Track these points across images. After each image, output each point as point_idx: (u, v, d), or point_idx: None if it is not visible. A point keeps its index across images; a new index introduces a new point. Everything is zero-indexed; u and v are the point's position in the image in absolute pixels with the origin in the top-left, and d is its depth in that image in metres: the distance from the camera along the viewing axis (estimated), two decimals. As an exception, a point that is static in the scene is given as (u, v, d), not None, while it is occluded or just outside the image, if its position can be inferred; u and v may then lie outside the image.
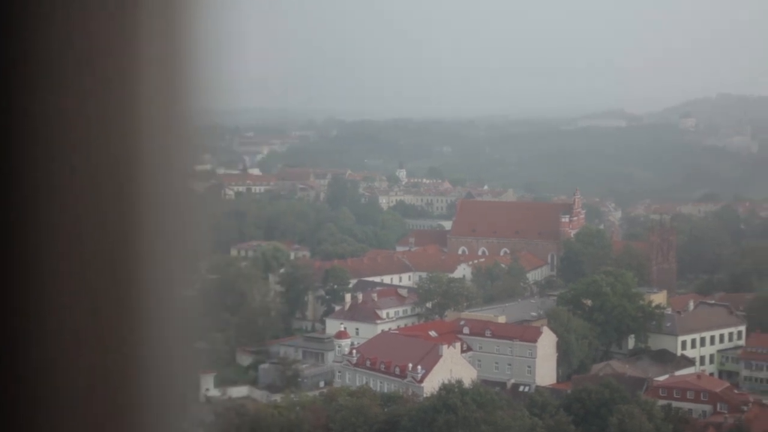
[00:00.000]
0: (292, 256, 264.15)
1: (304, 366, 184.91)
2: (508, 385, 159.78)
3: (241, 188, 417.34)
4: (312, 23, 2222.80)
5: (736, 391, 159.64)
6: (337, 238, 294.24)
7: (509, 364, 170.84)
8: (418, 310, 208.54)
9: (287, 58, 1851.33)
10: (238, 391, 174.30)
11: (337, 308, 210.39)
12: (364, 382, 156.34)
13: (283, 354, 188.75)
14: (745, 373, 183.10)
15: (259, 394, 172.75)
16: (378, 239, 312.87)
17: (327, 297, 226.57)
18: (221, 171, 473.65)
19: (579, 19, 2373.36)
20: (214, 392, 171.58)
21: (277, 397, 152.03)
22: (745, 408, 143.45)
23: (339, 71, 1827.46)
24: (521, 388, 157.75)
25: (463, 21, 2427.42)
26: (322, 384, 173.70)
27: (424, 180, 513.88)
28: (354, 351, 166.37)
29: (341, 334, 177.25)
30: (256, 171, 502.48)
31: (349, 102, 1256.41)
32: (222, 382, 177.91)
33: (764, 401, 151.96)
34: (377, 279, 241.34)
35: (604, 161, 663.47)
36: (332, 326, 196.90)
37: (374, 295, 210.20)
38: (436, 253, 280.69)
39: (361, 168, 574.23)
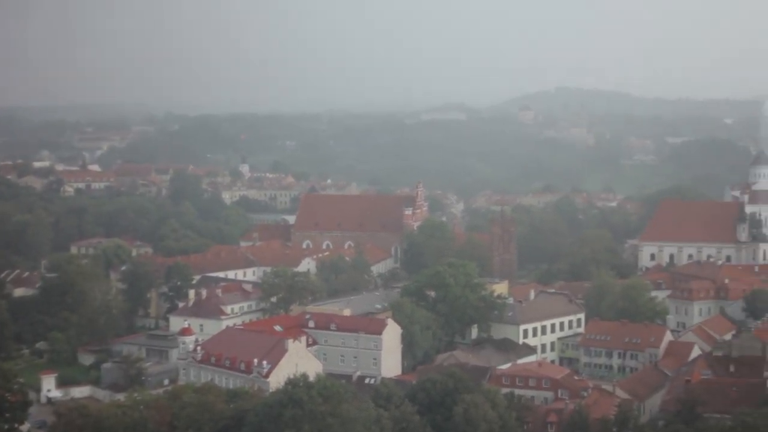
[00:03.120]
0: (134, 253, 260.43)
1: (147, 364, 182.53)
2: (354, 378, 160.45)
3: (81, 185, 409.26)
4: (149, 18, 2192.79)
5: (576, 378, 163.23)
6: (179, 234, 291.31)
7: (355, 357, 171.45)
8: (263, 304, 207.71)
9: (125, 53, 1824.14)
10: (81, 391, 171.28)
11: (181, 305, 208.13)
12: (210, 378, 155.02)
13: (126, 352, 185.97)
14: (584, 359, 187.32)
15: (102, 394, 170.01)
16: (222, 234, 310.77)
17: (170, 294, 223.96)
18: (60, 167, 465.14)
19: (421, 15, 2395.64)
20: (55, 393, 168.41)
21: (121, 396, 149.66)
22: (585, 393, 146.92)
23: (178, 65, 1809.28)
24: (367, 380, 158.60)
25: (303, 16, 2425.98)
26: (166, 382, 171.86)
27: (268, 174, 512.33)
28: (198, 348, 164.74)
29: (185, 331, 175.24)
30: (95, 167, 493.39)
31: (189, 96, 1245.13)
32: (64, 383, 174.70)
33: (603, 386, 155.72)
34: (221, 274, 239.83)
35: (445, 154, 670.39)
36: (176, 323, 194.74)
37: (218, 291, 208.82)
38: (281, 248, 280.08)
39: (203, 163, 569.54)
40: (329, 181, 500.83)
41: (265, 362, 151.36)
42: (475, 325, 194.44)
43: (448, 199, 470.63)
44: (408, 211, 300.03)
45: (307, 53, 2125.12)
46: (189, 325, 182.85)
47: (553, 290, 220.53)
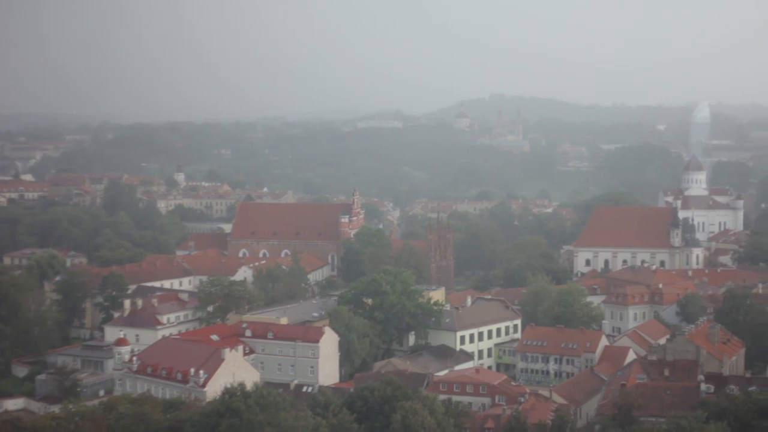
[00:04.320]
0: (68, 263, 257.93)
1: (83, 375, 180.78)
2: (292, 386, 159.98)
3: (14, 195, 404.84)
4: (82, 27, 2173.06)
5: (513, 383, 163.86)
6: (114, 243, 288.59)
7: (292, 365, 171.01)
8: (199, 314, 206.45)
9: (57, 61, 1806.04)
10: (15, 404, 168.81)
11: (116, 315, 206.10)
12: (146, 389, 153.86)
13: (60, 364, 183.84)
14: (521, 365, 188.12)
15: (37, 406, 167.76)
16: (157, 244, 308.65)
17: (105, 304, 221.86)
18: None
19: (359, 23, 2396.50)
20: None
21: (56, 408, 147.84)
22: (522, 399, 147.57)
23: (112, 74, 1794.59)
24: (305, 389, 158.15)
25: (237, 24, 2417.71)
26: (102, 393, 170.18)
27: (203, 183, 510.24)
28: (134, 358, 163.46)
29: (121, 342, 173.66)
30: (29, 177, 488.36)
31: (124, 105, 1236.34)
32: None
33: (540, 392, 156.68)
34: (157, 284, 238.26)
35: (382, 161, 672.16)
36: (111, 333, 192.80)
37: (154, 301, 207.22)
38: (217, 257, 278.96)
39: (138, 172, 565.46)
40: (265, 189, 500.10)
41: (201, 372, 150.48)
42: (413, 332, 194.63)
43: (384, 207, 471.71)
44: (344, 219, 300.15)
45: (243, 61, 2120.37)
46: (124, 335, 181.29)
47: (489, 296, 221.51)
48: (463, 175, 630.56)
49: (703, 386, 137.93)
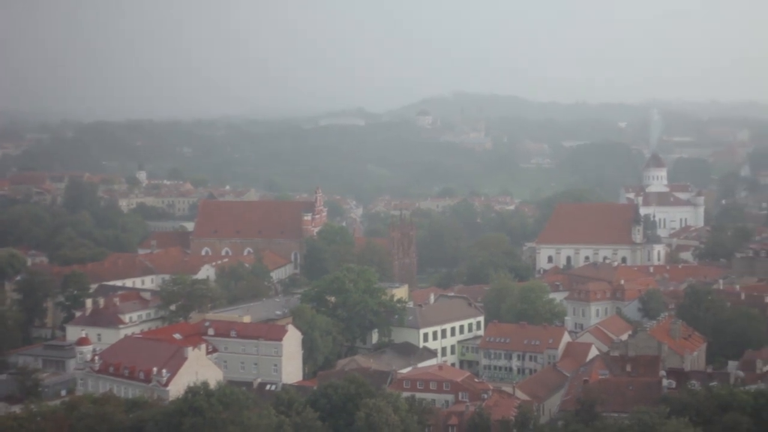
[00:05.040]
0: (29, 263, 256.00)
1: (44, 375, 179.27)
2: (255, 385, 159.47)
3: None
4: (40, 23, 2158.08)
5: (476, 380, 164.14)
6: (76, 242, 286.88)
7: (255, 364, 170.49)
8: (161, 312, 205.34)
9: (15, 60, 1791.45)
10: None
11: (78, 314, 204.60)
12: (108, 388, 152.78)
13: (22, 364, 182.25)
14: (484, 362, 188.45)
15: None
16: (119, 242, 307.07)
17: (67, 303, 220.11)
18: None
19: (322, 20, 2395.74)
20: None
21: (17, 408, 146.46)
22: (486, 396, 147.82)
23: (72, 72, 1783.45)
24: (268, 387, 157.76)
25: (198, 22, 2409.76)
26: (63, 393, 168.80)
27: (165, 181, 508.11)
28: (96, 357, 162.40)
29: (82, 341, 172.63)
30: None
31: (84, 103, 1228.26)
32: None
33: (503, 388, 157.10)
34: (119, 283, 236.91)
35: (344, 159, 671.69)
36: (73, 333, 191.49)
37: (116, 300, 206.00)
38: (179, 255, 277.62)
39: (99, 170, 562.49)
40: (228, 187, 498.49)
41: (164, 371, 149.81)
42: (376, 330, 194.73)
43: (347, 204, 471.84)
44: (307, 217, 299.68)
45: (204, 60, 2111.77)
46: (86, 334, 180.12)
47: (452, 294, 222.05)
48: (425, 173, 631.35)
49: (664, 382, 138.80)
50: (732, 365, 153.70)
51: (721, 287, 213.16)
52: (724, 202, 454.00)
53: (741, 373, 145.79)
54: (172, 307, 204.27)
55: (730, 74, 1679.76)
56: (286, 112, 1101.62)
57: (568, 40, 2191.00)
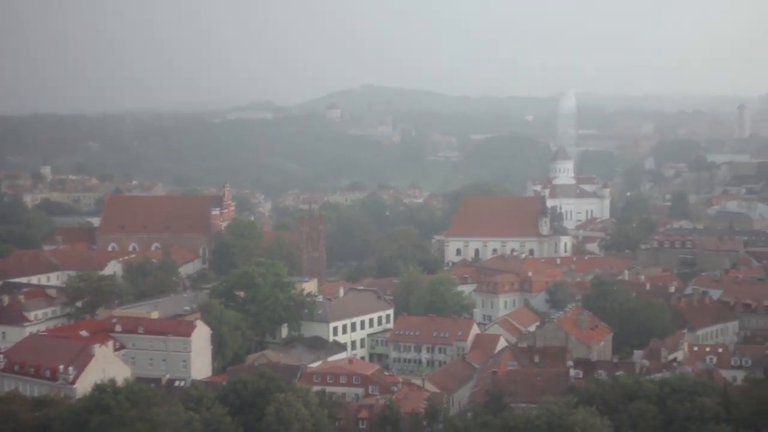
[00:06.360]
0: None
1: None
2: (164, 381, 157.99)
3: None
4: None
5: (386, 373, 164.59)
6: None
7: (164, 360, 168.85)
8: (68, 309, 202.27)
9: None
10: None
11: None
12: (14, 387, 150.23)
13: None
14: (393, 354, 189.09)
15: None
16: (24, 238, 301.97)
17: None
18: None
19: (230, 12, 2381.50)
20: None
21: None
22: (395, 389, 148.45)
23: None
24: (177, 383, 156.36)
25: (108, 16, 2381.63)
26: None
27: (71, 176, 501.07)
28: (1, 356, 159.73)
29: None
30: None
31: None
32: None
33: (413, 381, 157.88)
34: (24, 280, 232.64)
35: (252, 153, 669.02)
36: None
37: (21, 297, 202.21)
38: (85, 251, 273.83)
39: (2, 166, 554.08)
40: (135, 182, 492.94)
41: (71, 368, 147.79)
42: (286, 324, 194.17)
43: (256, 199, 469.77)
44: (215, 212, 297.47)
45: (109, 53, 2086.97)
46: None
47: (362, 287, 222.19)
48: (334, 166, 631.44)
49: (572, 372, 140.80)
50: (637, 355, 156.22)
51: (627, 278, 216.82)
52: (628, 194, 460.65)
53: (646, 362, 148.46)
54: (79, 304, 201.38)
55: (634, 68, 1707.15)
56: (193, 106, 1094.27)
57: (475, 34, 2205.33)
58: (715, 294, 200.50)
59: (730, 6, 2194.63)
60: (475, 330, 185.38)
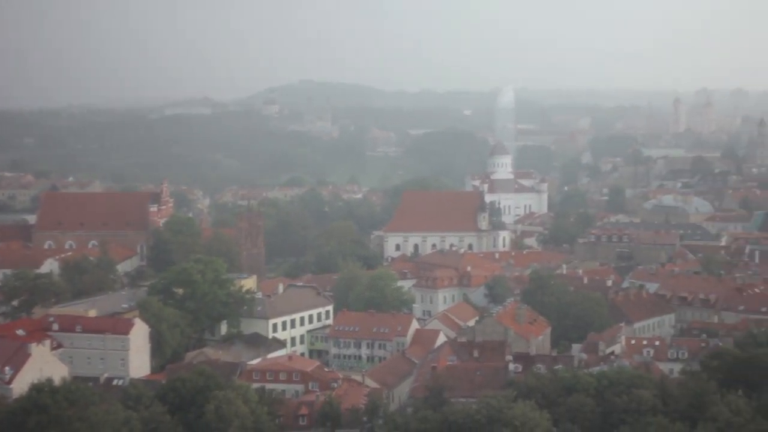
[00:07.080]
0: None
1: None
2: (102, 380, 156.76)
3: None
4: None
5: (326, 369, 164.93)
6: None
7: (102, 359, 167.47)
8: (3, 308, 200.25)
9: None
10: None
11: None
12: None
13: None
14: (333, 351, 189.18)
15: None
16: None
17: None
18: None
19: (174, 8, 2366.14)
20: None
21: None
22: (335, 385, 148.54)
23: None
24: (115, 382, 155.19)
25: (43, 9, 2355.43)
26: None
27: (6, 173, 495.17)
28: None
29: None
30: None
31: None
32: None
33: (353, 377, 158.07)
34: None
35: (190, 149, 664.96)
36: None
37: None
38: (21, 249, 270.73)
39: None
40: (71, 179, 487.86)
41: (7, 368, 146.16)
42: (225, 322, 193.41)
43: (194, 195, 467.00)
44: (153, 208, 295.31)
45: (46, 48, 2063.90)
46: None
47: (301, 283, 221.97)
48: (273, 162, 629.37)
49: (511, 366, 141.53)
50: (576, 348, 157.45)
51: (565, 272, 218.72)
52: (566, 188, 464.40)
53: (584, 356, 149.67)
54: (15, 303, 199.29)
55: (571, 63, 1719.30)
56: (130, 102, 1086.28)
57: (413, 29, 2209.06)
58: (652, 287, 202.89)
59: (667, 1, 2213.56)
60: (414, 325, 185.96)
